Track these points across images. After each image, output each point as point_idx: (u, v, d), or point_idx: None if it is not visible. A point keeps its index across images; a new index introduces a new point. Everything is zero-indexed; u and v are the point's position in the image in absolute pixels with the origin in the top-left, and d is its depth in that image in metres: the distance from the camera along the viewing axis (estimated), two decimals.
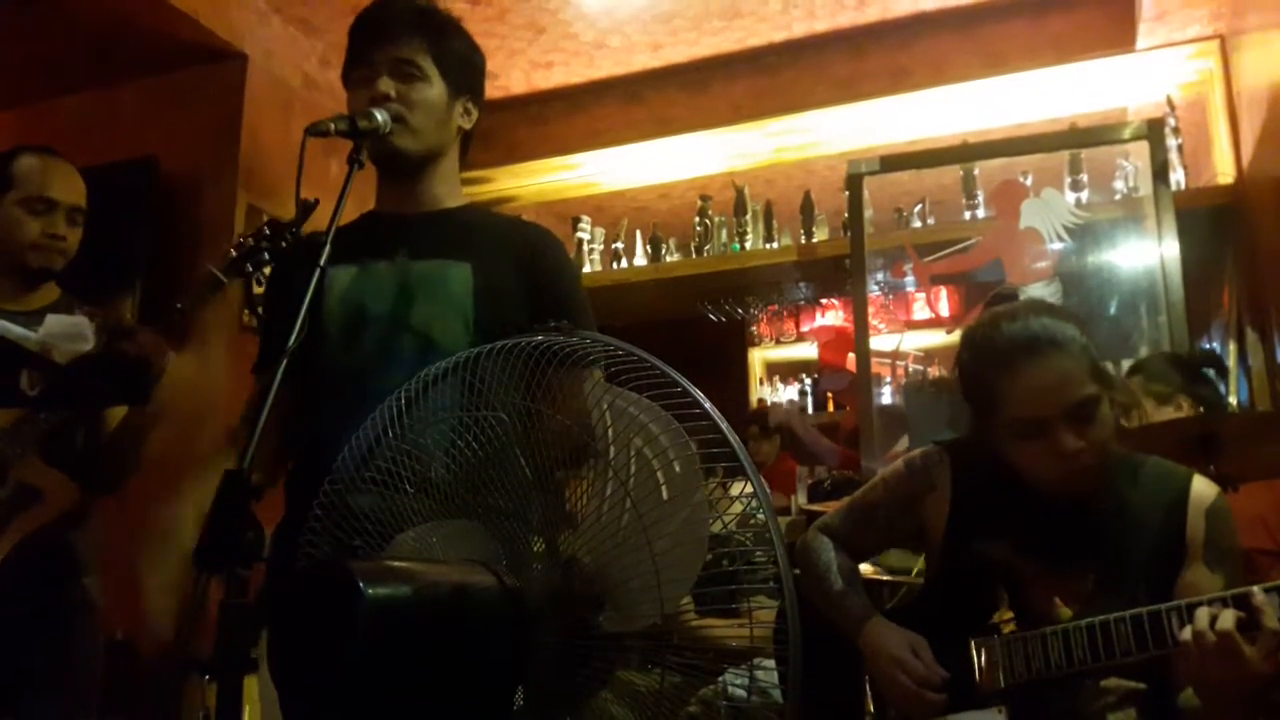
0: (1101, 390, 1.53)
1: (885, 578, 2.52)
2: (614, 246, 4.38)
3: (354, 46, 1.75)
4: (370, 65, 1.70)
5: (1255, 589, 1.34)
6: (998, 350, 1.55)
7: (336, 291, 1.69)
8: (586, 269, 4.31)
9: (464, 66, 1.80)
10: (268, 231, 1.96)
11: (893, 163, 3.72)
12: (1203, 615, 1.35)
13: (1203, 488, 1.59)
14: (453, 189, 1.84)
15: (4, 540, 2.05)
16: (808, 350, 5.73)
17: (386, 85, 1.68)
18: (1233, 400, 3.31)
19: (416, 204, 1.78)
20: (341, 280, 1.70)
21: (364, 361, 1.65)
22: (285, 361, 1.24)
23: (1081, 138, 3.60)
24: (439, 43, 1.75)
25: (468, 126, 1.83)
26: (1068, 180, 3.58)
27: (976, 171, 3.73)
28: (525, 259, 1.74)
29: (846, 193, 3.72)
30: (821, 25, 4.08)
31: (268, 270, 1.95)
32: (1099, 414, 1.53)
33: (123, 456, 2.22)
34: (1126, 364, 3.16)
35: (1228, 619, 1.32)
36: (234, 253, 1.96)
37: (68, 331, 2.16)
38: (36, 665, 2.10)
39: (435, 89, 1.74)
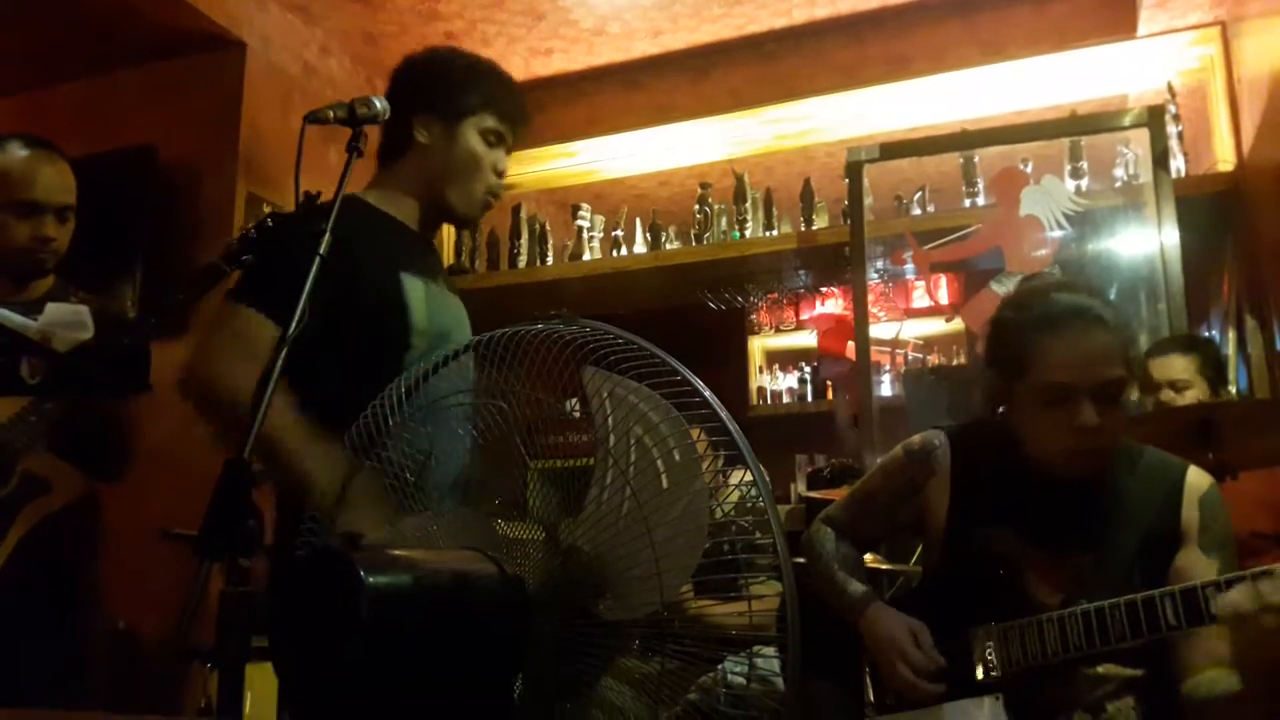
0: (1129, 377, 1.55)
1: (885, 567, 2.53)
2: (614, 234, 4.37)
3: (500, 103, 1.86)
4: (503, 137, 1.85)
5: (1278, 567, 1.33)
6: (1047, 312, 1.56)
7: (420, 304, 1.76)
8: (586, 256, 4.30)
9: None
10: (270, 224, 1.96)
11: (892, 150, 3.71)
12: (1245, 593, 1.32)
13: (1197, 478, 1.60)
14: None
15: (13, 531, 2.05)
16: (807, 338, 5.72)
17: (505, 165, 1.87)
18: (1232, 389, 3.32)
19: (427, 234, 1.93)
20: (419, 293, 1.77)
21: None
22: (286, 351, 1.25)
23: (1081, 125, 3.59)
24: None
25: None
26: (1068, 167, 3.57)
27: (976, 159, 3.72)
28: None
29: (846, 180, 3.71)
30: (821, 12, 4.07)
31: None
32: (1122, 398, 1.54)
33: (120, 443, 2.22)
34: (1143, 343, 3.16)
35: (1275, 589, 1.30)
36: (235, 244, 1.95)
37: (68, 320, 2.15)
38: (42, 654, 2.10)
39: None
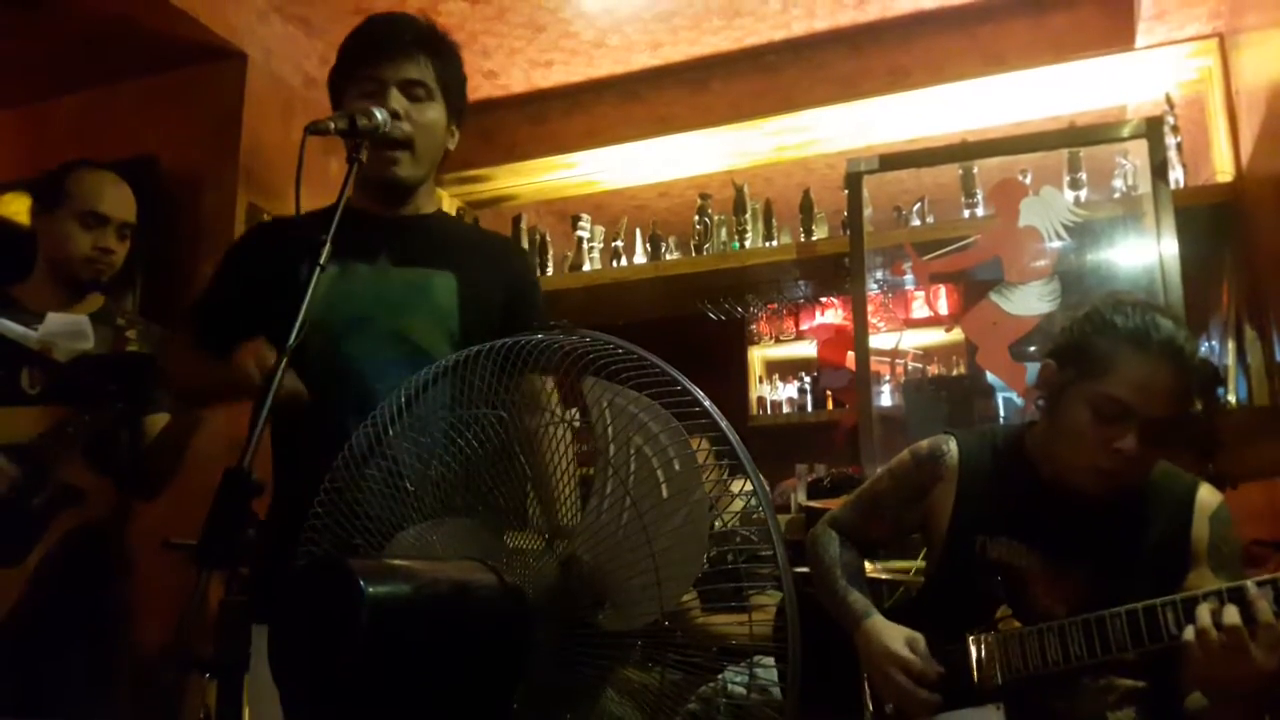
0: (1182, 423, 1.55)
1: (884, 576, 2.53)
2: (614, 245, 4.38)
3: (358, 58, 1.74)
4: (377, 81, 1.71)
5: (1248, 583, 1.35)
6: (1146, 331, 1.54)
7: (317, 291, 1.69)
8: (586, 267, 4.31)
9: (460, 90, 1.82)
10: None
11: (892, 161, 3.72)
12: (1204, 612, 1.35)
13: (1207, 495, 1.60)
14: (429, 198, 1.87)
15: (46, 538, 2.07)
16: (807, 348, 5.72)
17: (398, 102, 1.69)
18: (1231, 399, 3.32)
19: (396, 209, 1.80)
20: (321, 280, 1.70)
21: (351, 364, 1.67)
22: (285, 362, 1.25)
23: (1080, 136, 3.60)
24: (444, 64, 1.76)
25: (452, 148, 1.86)
26: (1066, 178, 3.58)
27: (975, 170, 3.73)
28: (505, 272, 1.80)
29: (845, 191, 3.72)
30: (821, 24, 4.08)
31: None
32: (1167, 441, 1.54)
33: (166, 463, 2.24)
34: None
35: (1233, 613, 1.32)
36: None
37: (68, 330, 2.16)
38: (70, 666, 2.11)
39: (439, 111, 1.76)
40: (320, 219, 1.51)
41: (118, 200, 2.34)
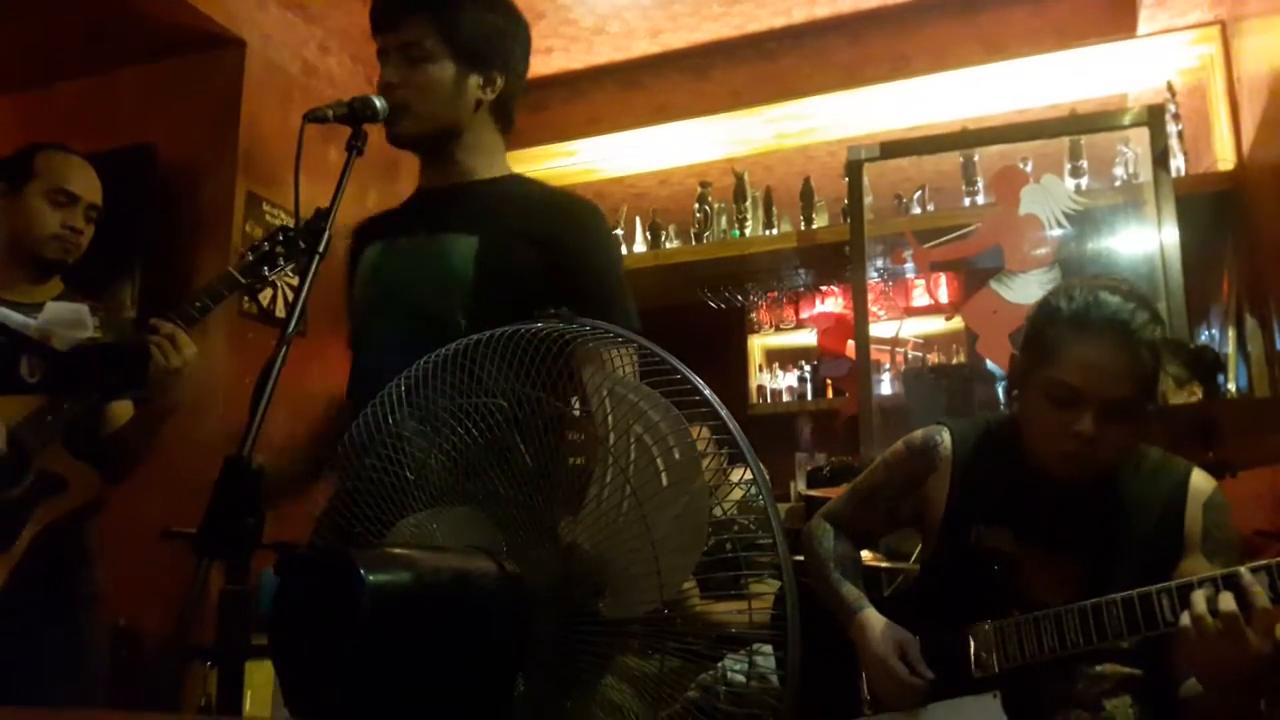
0: (1144, 402, 1.54)
1: (884, 564, 2.53)
2: (614, 233, 4.38)
3: (372, 29, 1.77)
4: (381, 51, 1.73)
5: (1242, 569, 1.35)
6: (1085, 312, 1.54)
7: (364, 270, 1.75)
8: None
9: (478, 40, 1.75)
10: (281, 236, 2.04)
11: (892, 149, 3.71)
12: (1200, 599, 1.35)
13: (1201, 481, 1.60)
14: (487, 160, 1.80)
15: (27, 529, 2.06)
16: (807, 337, 5.72)
17: (392, 74, 1.70)
18: (1231, 387, 3.32)
19: (449, 177, 1.78)
20: (369, 259, 1.75)
21: (377, 339, 1.70)
22: (286, 349, 1.25)
23: (1081, 124, 3.59)
24: (447, 19, 1.73)
25: (489, 98, 1.78)
26: (1067, 166, 3.57)
27: (976, 158, 3.73)
28: (544, 234, 1.68)
29: (846, 179, 3.71)
30: (822, 11, 4.07)
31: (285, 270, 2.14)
32: (1128, 419, 1.53)
33: (136, 447, 2.24)
34: None
35: (1229, 600, 1.33)
36: (250, 255, 2.05)
37: (68, 319, 2.16)
38: (45, 653, 2.11)
39: (443, 68, 1.72)
40: (389, 211, 1.59)
41: (86, 181, 2.34)
